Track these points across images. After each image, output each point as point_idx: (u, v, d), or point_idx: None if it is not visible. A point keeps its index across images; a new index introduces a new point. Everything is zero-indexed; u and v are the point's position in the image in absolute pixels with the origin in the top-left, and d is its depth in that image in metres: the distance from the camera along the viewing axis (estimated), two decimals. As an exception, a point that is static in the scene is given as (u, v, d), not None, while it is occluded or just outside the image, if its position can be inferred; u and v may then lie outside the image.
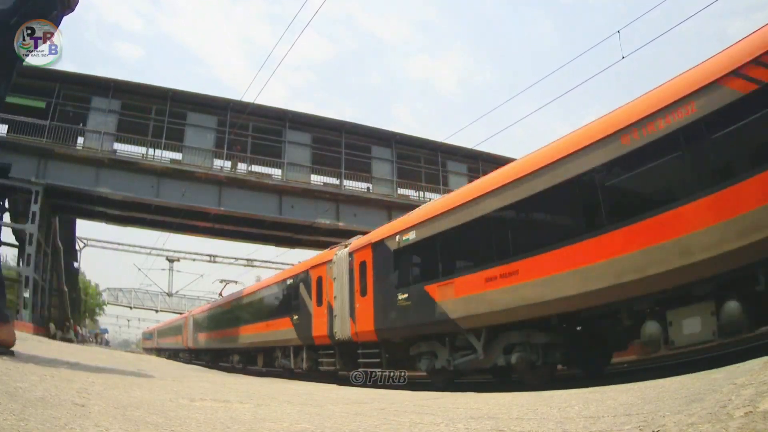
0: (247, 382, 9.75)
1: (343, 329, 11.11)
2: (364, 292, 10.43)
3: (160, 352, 39.34)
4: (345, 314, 11.04)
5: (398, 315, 9.38)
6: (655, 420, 2.39)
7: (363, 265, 10.66)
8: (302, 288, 13.41)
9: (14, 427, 2.45)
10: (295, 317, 13.53)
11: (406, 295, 9.16)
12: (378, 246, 10.31)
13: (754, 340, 6.68)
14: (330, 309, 11.72)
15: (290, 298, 14.30)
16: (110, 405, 3.73)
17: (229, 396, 5.49)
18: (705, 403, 2.48)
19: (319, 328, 12.21)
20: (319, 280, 12.53)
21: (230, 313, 20.00)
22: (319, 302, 12.36)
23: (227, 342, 20.00)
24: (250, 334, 17.25)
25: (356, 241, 11.38)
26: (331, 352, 12.08)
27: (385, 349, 10.21)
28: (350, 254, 11.22)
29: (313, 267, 13.08)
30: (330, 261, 12.06)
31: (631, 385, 4.12)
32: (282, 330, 14.37)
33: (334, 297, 11.54)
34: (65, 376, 5.65)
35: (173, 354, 34.00)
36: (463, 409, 3.88)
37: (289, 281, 14.59)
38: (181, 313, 40.44)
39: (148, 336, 49.66)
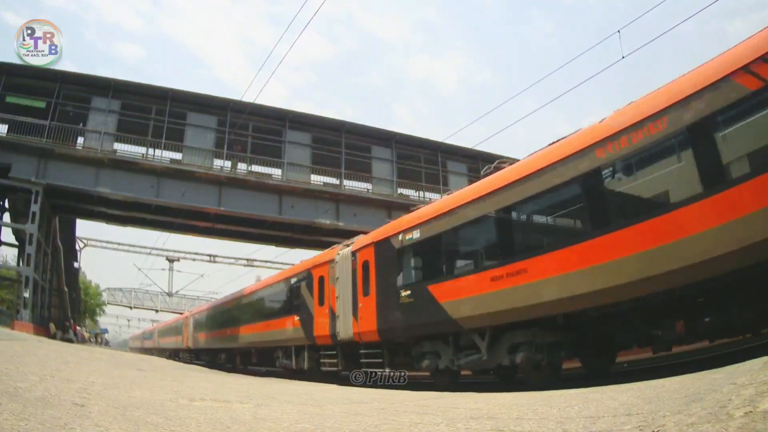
0: (247, 382, 9.76)
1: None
2: None
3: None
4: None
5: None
6: (655, 420, 2.39)
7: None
8: None
9: (14, 427, 2.45)
10: None
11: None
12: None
13: (754, 340, 6.68)
14: None
15: None
16: (110, 405, 3.73)
17: (229, 396, 5.49)
18: (705, 403, 2.48)
19: None
20: None
21: None
22: None
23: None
24: None
25: None
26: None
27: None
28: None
29: None
30: None
31: (631, 385, 4.12)
32: None
33: None
34: (65, 376, 5.66)
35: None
36: (463, 409, 3.88)
37: None
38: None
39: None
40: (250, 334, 16.89)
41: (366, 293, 10.11)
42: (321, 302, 11.92)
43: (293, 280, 13.85)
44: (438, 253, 8.78)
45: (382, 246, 9.96)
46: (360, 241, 11.06)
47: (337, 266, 11.44)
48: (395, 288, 9.32)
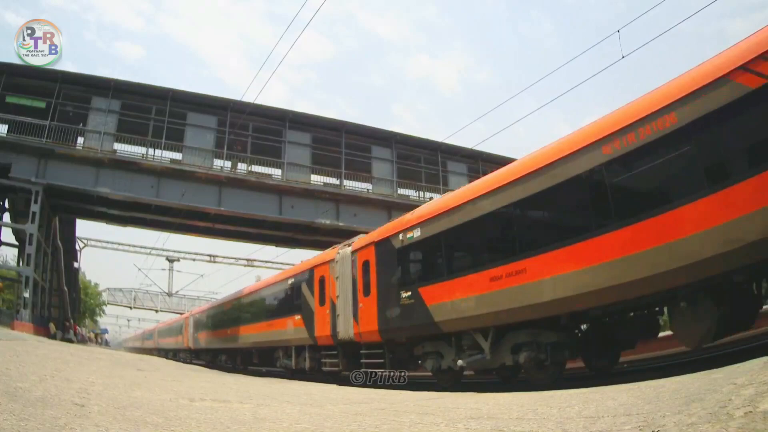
0: (247, 382, 9.76)
1: None
2: None
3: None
4: None
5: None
6: (655, 420, 2.39)
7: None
8: None
9: (14, 427, 2.45)
10: None
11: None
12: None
13: (754, 340, 6.68)
14: None
15: None
16: (110, 405, 3.73)
17: (229, 396, 5.49)
18: (705, 403, 2.48)
19: None
20: None
21: None
22: None
23: None
24: None
25: None
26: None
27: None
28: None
29: None
30: None
31: (631, 385, 4.12)
32: None
33: None
34: (65, 375, 5.65)
35: None
36: (463, 409, 3.88)
37: None
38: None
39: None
40: None
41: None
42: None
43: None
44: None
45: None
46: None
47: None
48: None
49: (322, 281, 11.99)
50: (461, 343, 8.15)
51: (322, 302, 11.78)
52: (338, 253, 11.45)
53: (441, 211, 8.58)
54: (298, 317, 12.83)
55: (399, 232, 9.41)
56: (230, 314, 19.61)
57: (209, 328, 22.55)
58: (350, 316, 10.47)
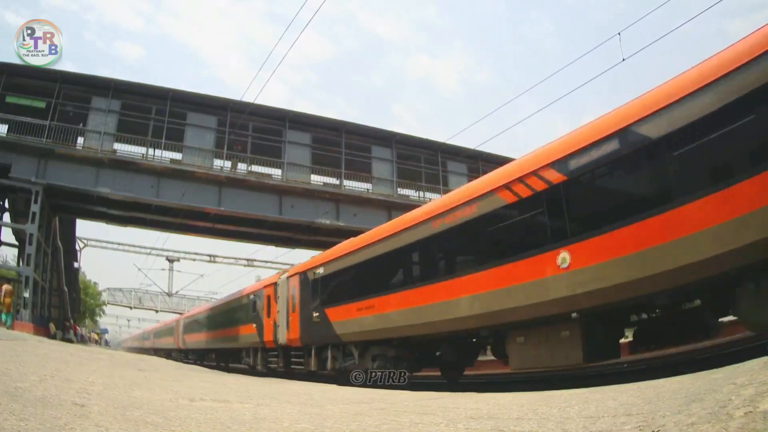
0: (247, 382, 9.76)
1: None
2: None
3: None
4: None
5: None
6: (655, 420, 2.39)
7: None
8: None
9: (14, 427, 2.45)
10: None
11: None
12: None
13: (755, 340, 6.68)
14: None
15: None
16: (110, 405, 3.73)
17: (229, 396, 5.49)
18: (705, 403, 2.48)
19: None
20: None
21: None
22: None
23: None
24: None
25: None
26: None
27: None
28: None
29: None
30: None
31: (631, 385, 4.12)
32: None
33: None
34: (65, 375, 5.65)
35: None
36: (463, 409, 3.88)
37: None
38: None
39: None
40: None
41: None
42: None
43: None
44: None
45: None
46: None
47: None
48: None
49: (269, 298, 14.85)
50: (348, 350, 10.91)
51: (268, 315, 14.69)
52: (279, 278, 14.30)
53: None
54: (253, 325, 16.00)
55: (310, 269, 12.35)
56: (209, 321, 23.24)
57: (195, 332, 25.62)
58: (284, 327, 13.22)
